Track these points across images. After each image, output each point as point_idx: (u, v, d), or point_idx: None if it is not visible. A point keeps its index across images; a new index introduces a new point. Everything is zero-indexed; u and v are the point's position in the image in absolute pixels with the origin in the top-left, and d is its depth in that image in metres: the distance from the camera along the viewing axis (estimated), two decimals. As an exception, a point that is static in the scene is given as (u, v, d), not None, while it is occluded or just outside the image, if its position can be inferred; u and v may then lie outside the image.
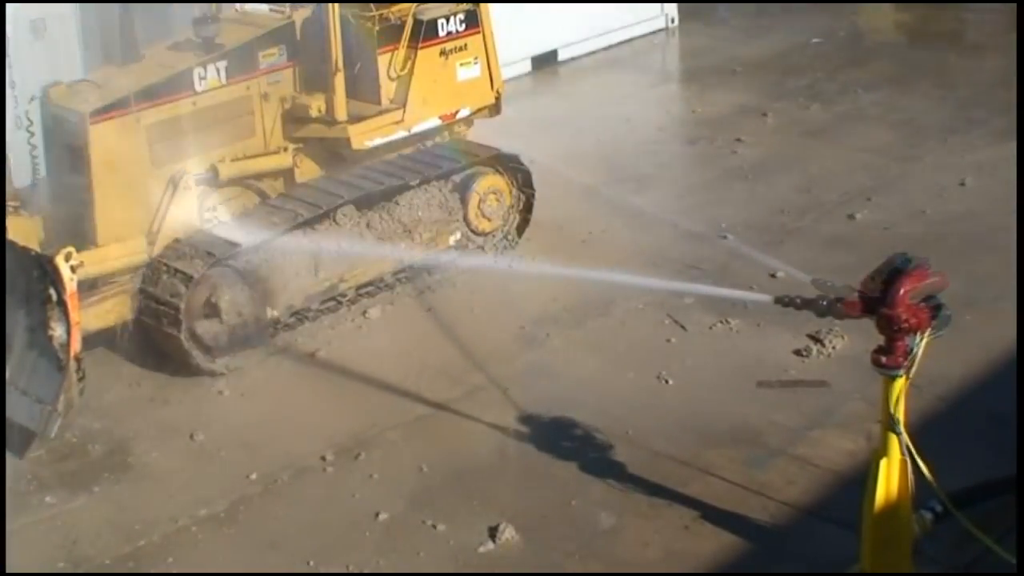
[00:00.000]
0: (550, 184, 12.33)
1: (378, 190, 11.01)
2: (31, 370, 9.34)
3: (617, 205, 12.76)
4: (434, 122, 11.79)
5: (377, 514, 8.54)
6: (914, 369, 6.70)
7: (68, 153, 10.18)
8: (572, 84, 17.13)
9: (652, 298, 11.00)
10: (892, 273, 6.68)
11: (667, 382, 9.90)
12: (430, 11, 11.65)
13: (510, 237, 11.95)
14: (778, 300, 7.04)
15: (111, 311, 10.12)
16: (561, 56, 17.74)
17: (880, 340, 6.78)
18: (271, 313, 10.48)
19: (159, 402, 9.97)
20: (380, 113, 11.43)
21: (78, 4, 13.19)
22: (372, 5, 11.38)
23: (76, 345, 9.13)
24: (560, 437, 9.23)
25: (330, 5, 10.79)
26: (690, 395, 9.72)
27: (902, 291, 6.63)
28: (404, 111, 11.48)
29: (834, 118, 15.26)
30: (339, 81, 11.01)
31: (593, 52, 17.93)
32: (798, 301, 6.95)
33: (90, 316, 9.80)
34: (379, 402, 9.84)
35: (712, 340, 10.49)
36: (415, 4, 11.55)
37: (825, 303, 6.84)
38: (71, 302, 9.08)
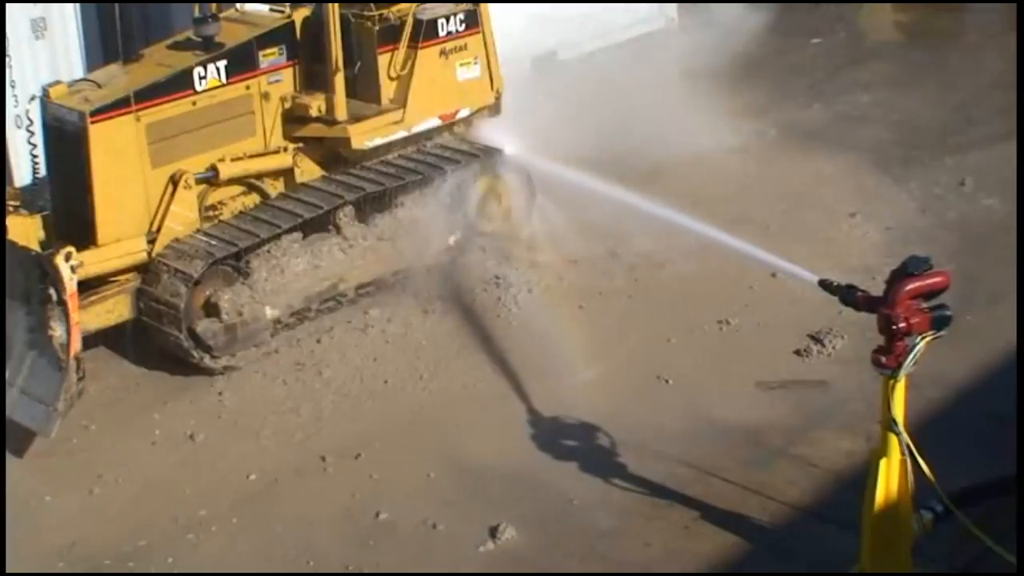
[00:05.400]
0: (550, 184, 12.32)
1: None
2: (31, 370, 9.34)
3: (615, 205, 12.74)
4: (434, 122, 11.79)
5: (377, 514, 8.54)
6: (904, 370, 6.71)
7: (68, 152, 10.17)
8: (572, 84, 17.10)
9: (653, 297, 11.03)
10: (899, 274, 6.70)
11: (667, 382, 9.90)
12: (430, 11, 11.65)
13: None
14: (821, 282, 7.30)
15: (111, 311, 10.12)
16: (561, 56, 17.71)
17: (880, 341, 6.80)
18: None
19: (159, 402, 9.96)
20: (380, 113, 11.43)
21: (78, 4, 13.19)
22: (372, 5, 11.38)
23: (76, 345, 9.14)
24: (560, 437, 9.23)
25: (330, 5, 10.79)
26: (690, 395, 9.73)
27: (903, 292, 6.64)
28: (404, 111, 11.48)
29: (834, 118, 15.26)
30: (339, 81, 11.01)
31: (593, 52, 17.90)
32: (834, 285, 7.18)
33: (90, 316, 9.81)
34: (379, 402, 9.85)
35: (712, 340, 10.49)
36: (415, 4, 11.55)
37: (849, 292, 7.05)
38: (71, 302, 9.08)
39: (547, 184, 11.90)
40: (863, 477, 7.11)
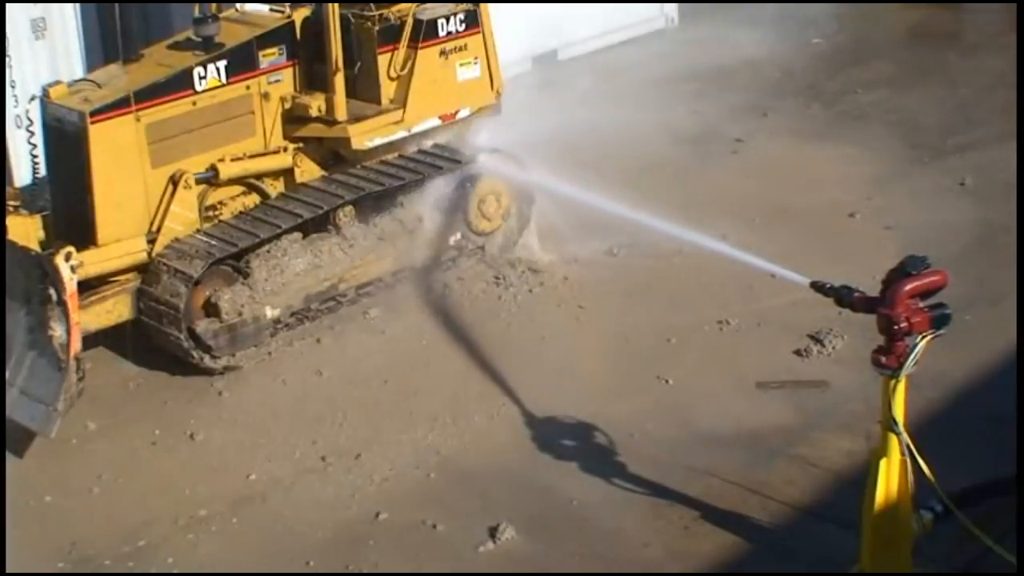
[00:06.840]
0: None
1: None
2: (31, 370, 9.34)
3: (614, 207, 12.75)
4: (434, 122, 11.79)
5: (377, 514, 8.54)
6: (905, 370, 6.70)
7: (68, 152, 10.17)
8: (572, 84, 17.12)
9: (653, 296, 11.02)
10: (898, 274, 6.70)
11: (667, 382, 9.90)
12: (430, 11, 11.65)
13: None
14: (813, 284, 7.27)
15: (111, 311, 10.13)
16: (561, 56, 17.71)
17: (880, 341, 6.80)
18: None
19: (159, 402, 9.97)
20: (380, 113, 11.44)
21: (78, 4, 13.19)
22: (372, 5, 11.38)
23: (76, 345, 9.13)
24: (561, 437, 9.23)
25: (330, 5, 10.79)
26: (690, 395, 9.73)
27: (902, 292, 6.64)
28: (404, 111, 11.48)
29: (834, 118, 15.26)
30: (339, 81, 11.01)
31: (593, 52, 17.91)
32: (827, 287, 7.14)
33: (90, 316, 9.81)
34: (379, 402, 9.84)
35: (712, 340, 10.49)
36: (415, 4, 11.55)
37: (845, 294, 7.02)
38: (71, 302, 9.08)
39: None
40: (863, 477, 7.11)
